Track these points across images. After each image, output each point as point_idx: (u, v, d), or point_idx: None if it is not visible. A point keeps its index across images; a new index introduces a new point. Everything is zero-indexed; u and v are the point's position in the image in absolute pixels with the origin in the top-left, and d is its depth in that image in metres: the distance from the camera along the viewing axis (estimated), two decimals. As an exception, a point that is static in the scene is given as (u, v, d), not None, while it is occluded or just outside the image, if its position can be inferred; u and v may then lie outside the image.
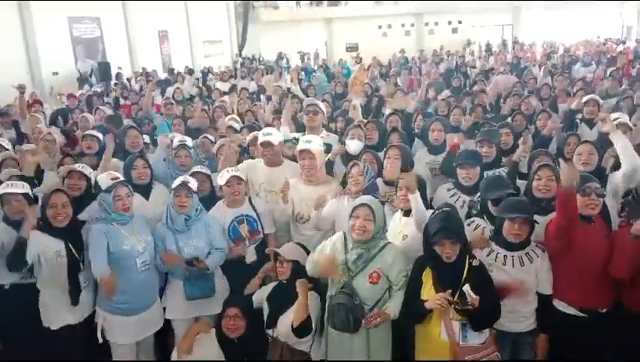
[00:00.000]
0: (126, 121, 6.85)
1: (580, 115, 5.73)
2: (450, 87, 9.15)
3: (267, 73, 13.48)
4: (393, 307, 2.98)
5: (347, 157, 4.38)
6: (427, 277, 2.93)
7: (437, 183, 4.29)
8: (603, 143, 4.10)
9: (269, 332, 3.27)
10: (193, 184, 3.61)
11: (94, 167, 4.18)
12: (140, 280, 3.46)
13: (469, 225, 3.39)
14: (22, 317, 3.43)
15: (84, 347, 3.47)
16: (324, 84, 11.21)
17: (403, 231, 3.35)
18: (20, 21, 13.92)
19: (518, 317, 3.17)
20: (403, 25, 27.15)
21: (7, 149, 5.06)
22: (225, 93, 9.74)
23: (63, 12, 15.29)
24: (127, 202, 3.45)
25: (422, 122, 5.62)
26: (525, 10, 25.65)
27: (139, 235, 3.49)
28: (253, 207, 3.91)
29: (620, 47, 16.29)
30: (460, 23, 26.67)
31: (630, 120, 5.11)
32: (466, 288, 2.72)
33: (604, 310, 3.17)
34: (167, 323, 3.70)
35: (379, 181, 3.91)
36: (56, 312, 3.41)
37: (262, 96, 9.64)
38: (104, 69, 15.18)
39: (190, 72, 15.35)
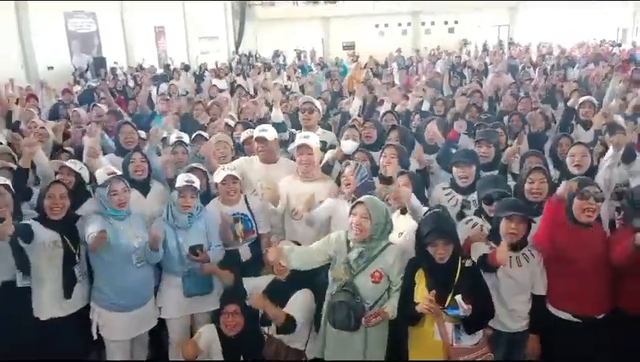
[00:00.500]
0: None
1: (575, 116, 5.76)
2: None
3: (265, 71, 13.45)
4: (392, 307, 2.98)
5: (343, 157, 4.38)
6: (420, 278, 2.93)
7: (433, 182, 4.30)
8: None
9: (265, 329, 3.27)
10: (197, 184, 3.60)
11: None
12: (135, 276, 3.45)
13: (466, 223, 3.40)
14: (14, 314, 3.41)
15: (76, 341, 3.45)
16: (320, 82, 11.19)
17: (400, 227, 3.34)
18: (16, 15, 13.84)
19: (514, 316, 3.19)
20: (400, 24, 27.14)
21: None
22: (221, 91, 9.70)
23: (58, 7, 15.21)
24: (123, 197, 3.44)
25: (419, 121, 5.64)
26: (522, 10, 25.72)
27: (135, 231, 3.47)
28: (248, 206, 3.91)
29: (616, 50, 16.36)
30: (456, 22, 26.70)
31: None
32: (458, 299, 2.73)
33: (601, 316, 3.13)
34: (162, 319, 3.68)
35: (376, 180, 3.92)
36: (48, 303, 3.38)
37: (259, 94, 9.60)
38: (100, 64, 15.13)
39: (186, 68, 15.30)
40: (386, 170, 3.83)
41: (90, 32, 17.04)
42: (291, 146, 4.54)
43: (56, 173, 3.91)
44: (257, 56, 22.96)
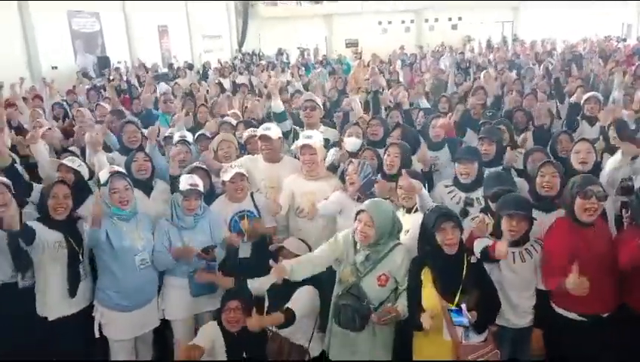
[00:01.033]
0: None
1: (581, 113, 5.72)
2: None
3: (270, 69, 13.42)
4: (402, 306, 2.96)
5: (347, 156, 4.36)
6: (426, 276, 2.91)
7: (436, 180, 4.29)
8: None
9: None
10: (201, 186, 3.60)
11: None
12: (138, 277, 3.44)
13: (472, 219, 3.39)
14: (17, 315, 3.41)
15: (80, 339, 3.45)
16: (324, 81, 11.16)
17: (405, 226, 3.31)
18: (19, 15, 13.85)
19: (519, 311, 3.18)
20: (403, 21, 27.07)
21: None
22: (224, 90, 9.70)
23: (61, 6, 15.23)
24: (124, 195, 3.42)
25: (423, 118, 5.62)
26: (526, 7, 25.58)
27: (140, 233, 3.47)
28: (255, 203, 3.91)
29: (621, 45, 16.23)
30: (459, 19, 26.58)
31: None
32: (463, 308, 2.76)
33: (607, 314, 3.09)
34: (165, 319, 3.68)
35: (379, 178, 3.91)
36: (54, 302, 3.37)
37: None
38: (103, 64, 15.13)
39: (190, 66, 15.30)
40: (390, 169, 3.83)
41: (94, 32, 17.05)
42: (294, 146, 4.54)
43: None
44: (261, 54, 22.94)
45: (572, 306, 3.09)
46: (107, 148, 4.76)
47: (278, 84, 5.71)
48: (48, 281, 3.36)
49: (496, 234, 3.15)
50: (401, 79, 10.60)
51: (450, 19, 26.78)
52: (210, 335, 3.18)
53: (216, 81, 10.75)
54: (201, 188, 3.59)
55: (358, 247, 3.05)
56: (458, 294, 2.80)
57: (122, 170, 3.69)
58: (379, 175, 3.97)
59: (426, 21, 26.95)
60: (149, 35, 19.72)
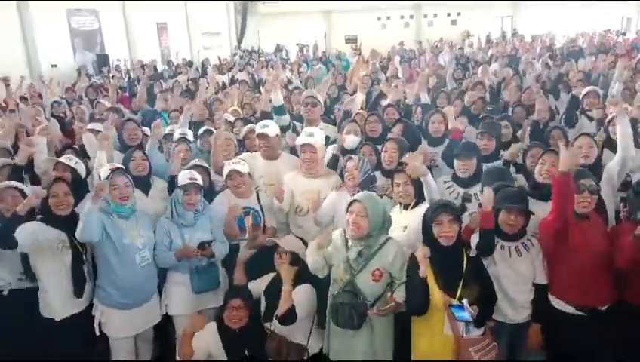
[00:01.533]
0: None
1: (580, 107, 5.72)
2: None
3: (269, 67, 13.40)
4: (401, 297, 2.96)
5: (343, 151, 4.37)
6: (427, 270, 2.90)
7: (435, 175, 4.29)
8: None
9: (267, 325, 3.28)
10: (200, 180, 3.60)
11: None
12: (138, 275, 3.44)
13: (470, 215, 3.40)
14: (21, 321, 3.42)
15: (82, 338, 3.47)
16: (322, 76, 11.12)
17: (402, 222, 3.35)
18: (18, 13, 13.86)
19: (516, 306, 3.19)
20: (402, 17, 27.03)
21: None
22: (224, 87, 9.69)
23: (61, 5, 15.22)
24: (125, 192, 3.42)
25: (421, 114, 5.62)
26: (525, 1, 25.52)
27: (140, 230, 3.47)
28: (259, 201, 3.92)
29: (620, 39, 16.18)
30: (458, 14, 26.54)
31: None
32: (465, 303, 2.77)
33: (604, 307, 3.12)
34: (167, 315, 3.69)
35: (377, 174, 3.92)
36: (60, 303, 3.37)
37: (262, 89, 9.57)
38: (102, 62, 15.14)
39: (189, 64, 15.29)
40: (389, 164, 3.84)
41: (93, 30, 17.06)
42: (289, 139, 4.57)
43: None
44: (260, 51, 22.90)
45: (569, 297, 3.11)
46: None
47: (278, 78, 5.71)
48: (54, 283, 3.36)
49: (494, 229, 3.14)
50: (399, 75, 10.56)
51: (449, 14, 26.74)
52: (205, 342, 3.20)
53: (216, 80, 10.73)
54: (200, 181, 3.59)
55: (349, 244, 3.06)
56: (459, 289, 2.82)
57: (122, 166, 3.70)
58: (377, 171, 3.97)
59: (425, 16, 26.91)
60: (148, 33, 19.73)
